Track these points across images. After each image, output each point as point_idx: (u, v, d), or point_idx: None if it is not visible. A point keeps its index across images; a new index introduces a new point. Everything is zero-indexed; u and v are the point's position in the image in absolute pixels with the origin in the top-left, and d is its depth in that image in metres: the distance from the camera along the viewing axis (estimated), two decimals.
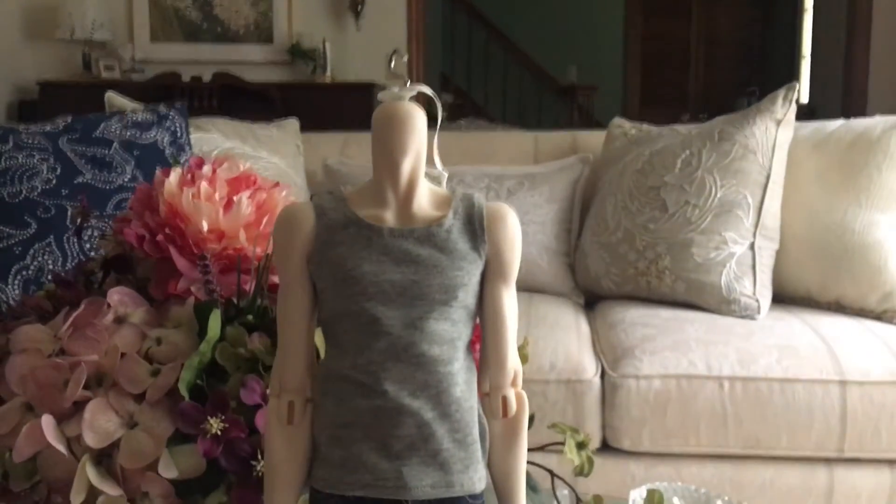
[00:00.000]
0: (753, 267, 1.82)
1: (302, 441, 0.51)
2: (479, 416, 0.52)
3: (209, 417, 0.62)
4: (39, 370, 0.62)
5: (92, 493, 0.63)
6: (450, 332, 0.50)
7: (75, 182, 1.65)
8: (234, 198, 0.73)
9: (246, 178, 0.75)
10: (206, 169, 0.73)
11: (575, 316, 1.87)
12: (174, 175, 0.72)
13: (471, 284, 0.51)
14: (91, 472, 0.61)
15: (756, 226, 1.83)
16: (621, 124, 2.15)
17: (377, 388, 0.48)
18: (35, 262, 1.59)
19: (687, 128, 2.01)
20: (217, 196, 0.72)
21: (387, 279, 0.49)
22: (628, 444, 1.55)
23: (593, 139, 2.24)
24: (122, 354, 0.64)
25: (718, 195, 1.84)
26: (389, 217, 0.51)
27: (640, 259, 1.89)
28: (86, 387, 0.63)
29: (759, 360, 1.54)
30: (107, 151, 1.74)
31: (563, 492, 0.76)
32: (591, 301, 2.02)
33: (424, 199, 0.52)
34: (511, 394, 0.52)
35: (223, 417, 0.62)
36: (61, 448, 0.60)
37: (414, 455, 0.49)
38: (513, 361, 0.53)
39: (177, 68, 3.80)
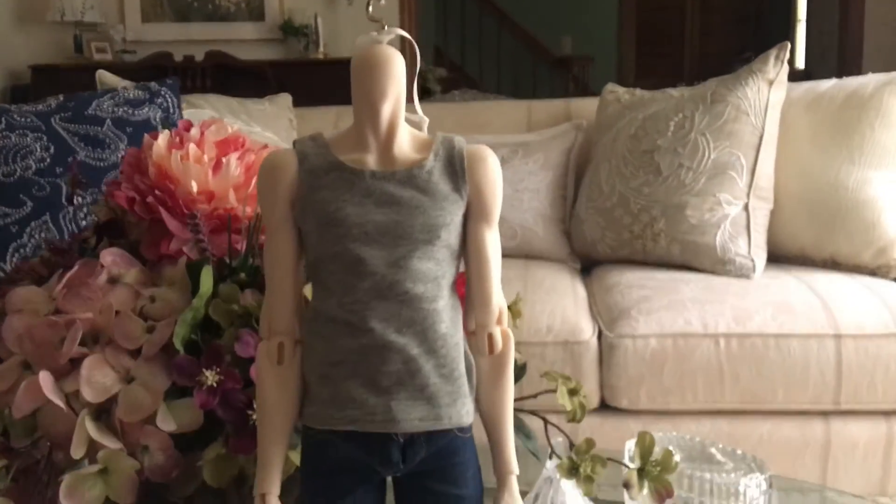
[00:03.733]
0: (748, 227, 1.82)
1: (292, 381, 0.52)
2: (466, 352, 0.53)
3: (204, 370, 0.63)
4: (35, 329, 0.63)
5: (92, 448, 0.64)
6: (433, 270, 0.51)
7: (69, 160, 1.65)
8: (223, 159, 0.73)
9: (234, 140, 0.76)
10: (195, 131, 0.74)
11: (571, 280, 1.89)
12: (163, 138, 0.72)
13: (453, 224, 0.52)
14: (90, 427, 0.62)
15: (750, 186, 1.84)
16: (614, 90, 2.15)
17: (363, 327, 0.49)
18: (32, 241, 1.60)
19: (680, 91, 2.01)
20: (206, 157, 0.73)
21: (370, 220, 0.50)
22: (626, 403, 1.57)
23: (586, 106, 2.23)
24: (117, 312, 0.65)
25: (712, 157, 1.84)
26: (371, 160, 0.52)
27: (635, 223, 1.90)
28: (82, 344, 0.64)
29: (755, 317, 1.56)
30: (99, 129, 1.74)
31: (558, 439, 0.78)
32: (588, 266, 2.03)
33: (405, 142, 0.53)
34: (497, 331, 0.53)
35: (218, 370, 0.63)
36: (60, 403, 0.61)
37: (401, 390, 0.50)
38: (497, 300, 0.54)
39: (169, 48, 3.79)
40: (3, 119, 1.69)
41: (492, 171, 0.54)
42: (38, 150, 1.67)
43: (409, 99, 0.54)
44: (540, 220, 2.04)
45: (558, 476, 0.79)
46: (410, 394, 0.50)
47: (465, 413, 0.52)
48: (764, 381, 1.53)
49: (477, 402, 0.54)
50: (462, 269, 0.54)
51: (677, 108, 1.91)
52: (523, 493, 0.81)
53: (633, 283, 1.76)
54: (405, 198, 0.50)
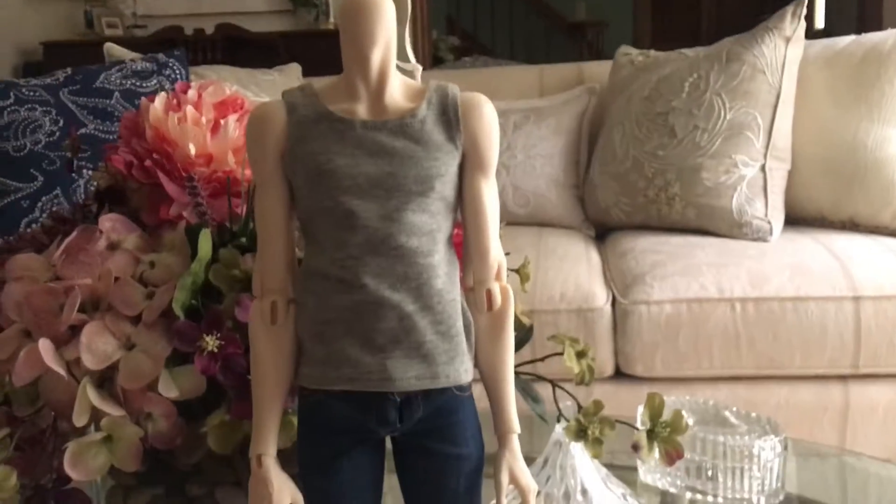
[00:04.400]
0: (765, 189, 1.79)
1: (286, 341, 0.51)
2: (464, 309, 0.51)
3: (205, 335, 0.62)
4: (34, 295, 0.62)
5: (96, 416, 0.64)
6: (428, 223, 0.49)
7: (79, 133, 1.65)
8: (222, 121, 0.72)
9: (233, 102, 0.74)
10: (192, 93, 0.73)
11: (585, 247, 1.87)
12: (159, 100, 0.71)
13: (448, 175, 0.50)
14: (92, 394, 0.61)
15: (767, 147, 1.80)
16: (628, 52, 2.11)
17: (356, 283, 0.48)
18: (43, 215, 1.59)
19: (695, 51, 1.97)
20: (204, 119, 0.71)
21: (361, 172, 0.48)
22: (641, 369, 1.55)
23: (600, 70, 2.20)
24: (116, 278, 0.64)
25: (728, 117, 1.81)
26: (361, 110, 0.50)
27: (649, 187, 1.87)
28: (82, 311, 0.63)
29: (772, 280, 1.53)
30: (108, 102, 1.73)
31: (567, 403, 0.77)
32: (602, 233, 2.01)
33: (397, 91, 0.51)
34: (495, 287, 0.52)
35: (219, 335, 0.62)
36: (60, 370, 0.60)
37: (397, 348, 0.48)
38: (495, 254, 0.52)
39: (179, 22, 3.77)
40: (11, 93, 1.69)
41: (487, 119, 0.52)
42: (48, 123, 1.66)
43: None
44: (553, 187, 2.02)
45: (568, 440, 0.78)
46: (406, 352, 0.49)
47: (463, 371, 0.50)
48: (781, 346, 1.51)
49: (476, 360, 0.52)
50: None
51: (692, 69, 1.87)
52: (532, 459, 0.80)
53: (647, 248, 1.74)
54: (397, 148, 0.49)
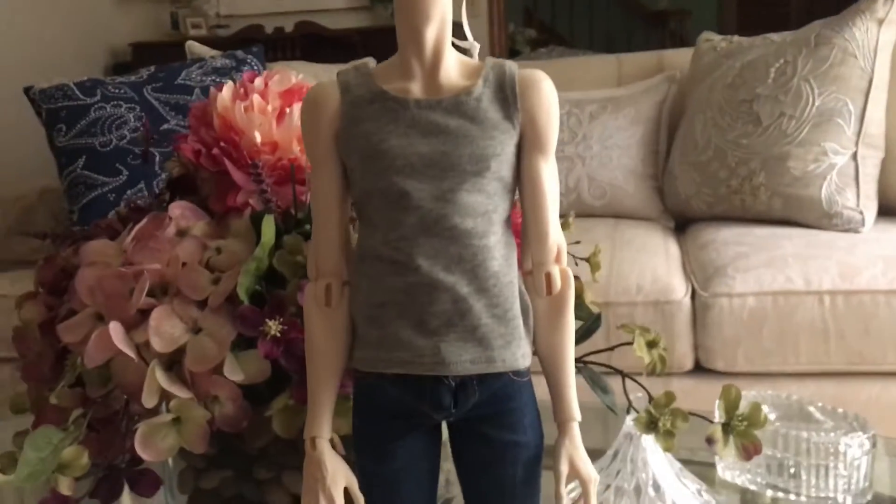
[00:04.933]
0: (856, 178, 1.71)
1: (341, 323, 0.51)
2: (522, 293, 0.50)
3: (267, 320, 0.62)
4: (106, 280, 0.64)
5: (165, 398, 0.65)
6: (484, 204, 0.48)
7: (161, 129, 1.69)
8: (287, 109, 0.72)
9: (299, 90, 0.74)
10: (258, 82, 0.73)
11: (664, 239, 1.82)
12: (227, 89, 0.72)
13: (504, 155, 0.49)
14: (160, 376, 0.62)
15: (858, 134, 1.72)
16: (710, 38, 2.05)
17: (410, 265, 0.47)
18: None
19: (781, 35, 1.90)
20: (270, 108, 0.72)
21: (414, 152, 0.47)
22: (722, 364, 1.50)
23: (680, 57, 2.14)
24: (184, 264, 0.65)
25: (816, 104, 1.74)
26: (416, 89, 0.49)
27: (732, 177, 1.81)
28: (151, 296, 0.65)
29: (863, 273, 1.46)
30: (189, 98, 1.78)
31: (638, 395, 0.74)
32: (682, 224, 1.96)
33: (453, 68, 0.50)
34: (555, 270, 0.50)
35: (282, 320, 0.62)
36: (129, 352, 0.62)
37: (451, 331, 0.47)
38: (555, 236, 0.50)
39: (260, 21, 3.84)
40: (98, 91, 1.75)
41: (546, 97, 0.50)
42: (132, 119, 1.72)
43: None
44: (630, 178, 1.97)
45: (639, 433, 0.76)
46: (461, 335, 0.47)
47: (520, 356, 0.49)
48: (872, 341, 1.44)
49: (535, 345, 0.51)
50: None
51: (778, 54, 1.80)
52: (601, 452, 0.78)
53: (729, 239, 1.69)
54: (452, 127, 0.48)
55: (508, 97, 0.49)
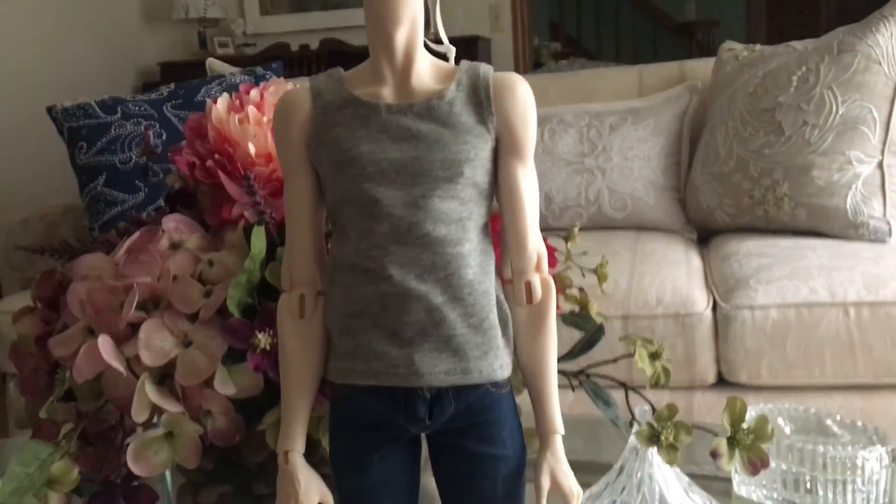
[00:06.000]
0: (883, 187, 1.67)
1: (315, 335, 0.50)
2: (500, 302, 0.48)
3: (257, 332, 0.61)
4: (95, 293, 0.64)
5: (156, 412, 0.64)
6: (457, 210, 0.47)
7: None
8: None
9: None
10: (254, 93, 0.73)
11: (685, 251, 1.79)
12: (222, 101, 0.72)
13: (479, 160, 0.47)
14: (150, 390, 0.62)
15: (884, 143, 1.68)
16: (732, 47, 2.02)
17: (382, 274, 0.46)
18: None
19: (803, 43, 1.87)
20: (265, 119, 0.71)
21: (385, 158, 0.46)
22: (745, 378, 1.47)
23: (702, 67, 2.11)
24: (175, 277, 0.65)
25: (840, 112, 1.70)
26: (387, 93, 0.48)
27: (755, 187, 1.78)
28: (143, 309, 0.64)
29: (890, 284, 1.42)
30: None
31: (645, 407, 0.72)
32: (705, 236, 1.92)
33: (425, 72, 0.49)
34: (535, 278, 0.49)
35: (272, 332, 0.61)
36: (119, 367, 0.61)
37: (425, 341, 0.46)
38: (534, 244, 0.49)
39: (286, 39, 3.88)
40: (118, 109, 1.77)
41: (522, 101, 0.49)
42: (151, 137, 1.73)
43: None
44: (651, 189, 1.94)
45: (645, 448, 0.74)
46: (435, 345, 0.46)
47: (498, 367, 0.47)
48: None
49: (516, 356, 0.49)
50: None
51: (800, 62, 1.77)
52: (607, 467, 0.76)
53: (752, 251, 1.65)
54: (423, 132, 0.46)
55: (482, 101, 0.48)
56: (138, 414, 0.62)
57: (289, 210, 0.51)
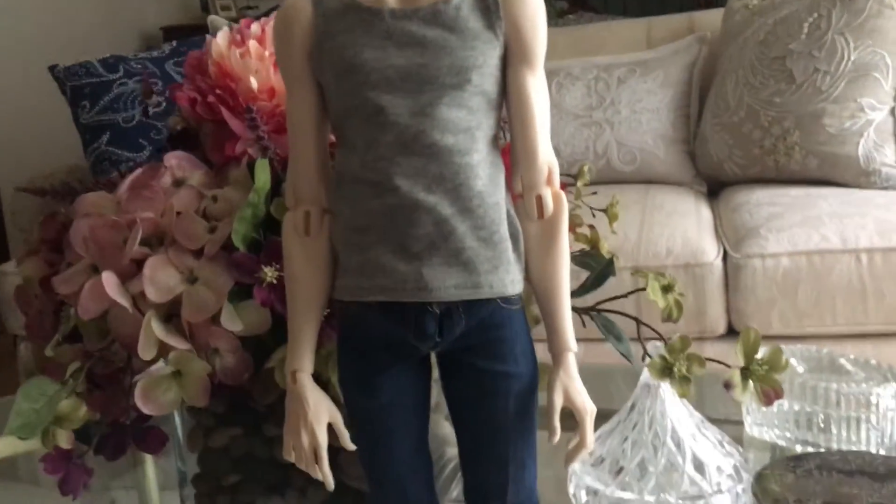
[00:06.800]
0: (895, 133, 1.65)
1: (321, 253, 0.49)
2: (511, 216, 0.47)
3: (264, 266, 0.60)
4: (99, 230, 0.63)
5: (164, 351, 0.64)
6: (465, 120, 0.45)
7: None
8: None
9: None
10: (255, 28, 0.71)
11: (695, 203, 1.77)
12: (222, 36, 0.70)
13: (486, 67, 0.46)
14: (157, 327, 0.61)
15: None
16: None
17: (389, 185, 0.45)
18: None
19: None
20: (267, 53, 0.70)
21: (390, 65, 0.45)
22: (756, 327, 1.45)
23: (711, 18, 2.08)
24: (178, 213, 0.64)
25: (852, 58, 1.67)
26: None
27: (765, 137, 1.75)
28: (147, 246, 0.63)
29: None
30: None
31: (657, 343, 0.71)
32: (715, 188, 1.90)
33: None
34: (546, 192, 0.47)
35: (278, 266, 0.60)
36: (124, 302, 0.60)
37: (434, 255, 0.45)
38: (545, 156, 0.48)
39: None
40: (121, 67, 1.75)
41: (531, 5, 0.47)
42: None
43: None
44: (661, 142, 1.92)
45: (657, 382, 0.73)
46: (444, 259, 0.45)
47: (509, 282, 0.46)
48: None
49: (528, 273, 0.48)
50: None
51: (811, 8, 1.74)
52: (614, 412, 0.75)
53: (763, 201, 1.64)
54: (430, 37, 0.45)
55: (490, 5, 0.46)
56: (145, 351, 0.61)
57: (291, 125, 0.50)
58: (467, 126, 0.45)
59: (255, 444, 0.76)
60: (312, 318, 0.49)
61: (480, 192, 0.45)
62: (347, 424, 0.49)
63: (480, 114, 0.46)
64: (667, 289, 0.68)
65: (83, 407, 0.63)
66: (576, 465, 0.75)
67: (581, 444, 0.47)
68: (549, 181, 0.48)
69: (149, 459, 1.03)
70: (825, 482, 0.55)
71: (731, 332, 1.50)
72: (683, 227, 1.57)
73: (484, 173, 0.46)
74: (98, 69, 1.74)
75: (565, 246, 0.48)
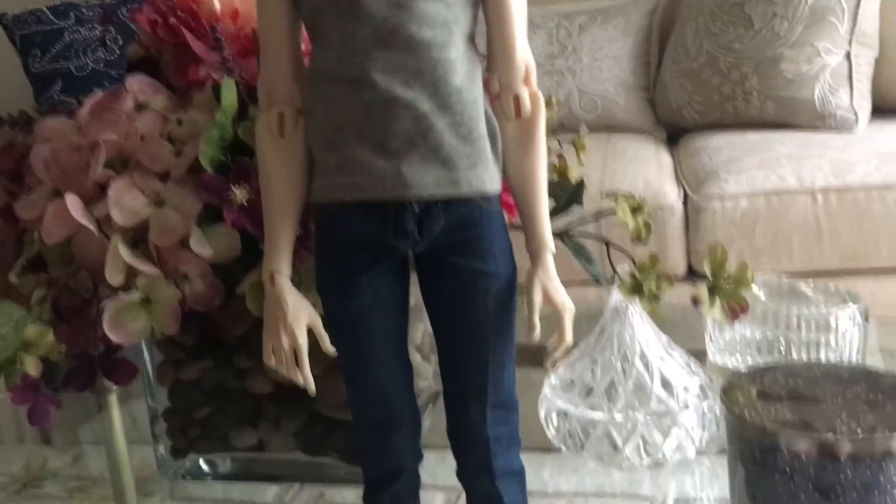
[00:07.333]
0: (850, 77, 1.68)
1: (296, 154, 0.48)
2: (489, 115, 0.47)
3: (233, 187, 0.60)
4: (60, 153, 0.61)
5: (132, 277, 0.63)
6: (443, 13, 0.45)
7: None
8: None
9: None
10: None
11: (655, 149, 1.79)
12: None
13: None
14: (124, 251, 0.60)
15: (851, 33, 1.68)
16: None
17: (366, 81, 0.44)
18: None
19: None
20: None
21: None
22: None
23: None
24: (142, 137, 0.62)
25: (809, 3, 1.69)
26: None
27: (724, 82, 1.77)
28: (111, 170, 0.62)
29: (856, 169, 1.44)
30: None
31: (626, 266, 0.72)
32: (675, 135, 1.92)
33: None
34: (524, 92, 0.47)
35: (248, 186, 0.60)
36: (89, 225, 0.59)
37: (413, 152, 0.44)
38: (522, 54, 0.47)
39: None
40: (72, 14, 1.70)
41: None
42: (108, 42, 1.67)
43: None
44: (622, 90, 1.93)
45: (626, 306, 0.74)
46: (423, 155, 0.44)
47: (487, 179, 0.46)
48: (866, 237, 1.42)
49: (505, 173, 0.48)
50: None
51: None
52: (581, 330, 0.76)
53: (722, 145, 1.66)
54: None
55: None
56: (113, 275, 0.60)
57: (262, 23, 0.49)
58: (444, 20, 0.44)
59: (226, 377, 0.76)
60: (289, 219, 0.49)
61: (458, 89, 0.45)
62: (326, 327, 0.48)
63: (458, 8, 0.45)
64: (636, 210, 0.69)
65: (50, 333, 0.62)
66: (546, 390, 0.76)
67: (560, 342, 0.47)
68: (527, 81, 0.48)
69: (115, 406, 1.02)
70: (790, 386, 0.56)
71: (691, 273, 1.52)
72: (645, 172, 1.59)
73: (462, 70, 0.45)
74: (48, 16, 1.69)
75: (542, 146, 0.48)
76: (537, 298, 0.47)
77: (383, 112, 0.44)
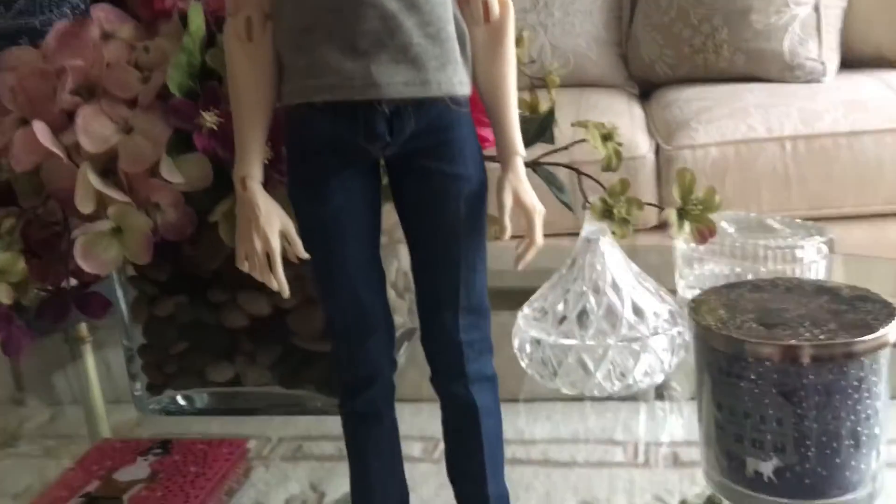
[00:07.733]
0: (818, 28, 1.70)
1: (264, 58, 0.48)
2: (457, 18, 0.47)
3: (202, 112, 0.59)
4: (26, 79, 0.61)
5: (103, 207, 0.63)
6: None
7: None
8: None
9: None
10: None
11: (628, 103, 1.80)
12: None
13: None
14: (93, 178, 0.60)
15: None
16: None
17: None
18: None
19: None
20: None
21: None
22: None
23: None
24: (109, 65, 0.62)
25: None
26: None
27: (695, 35, 1.78)
28: (78, 97, 0.62)
29: (824, 117, 1.46)
30: None
31: (596, 196, 0.73)
32: (647, 90, 1.93)
33: None
34: None
35: (217, 111, 0.60)
36: (58, 151, 0.59)
37: (382, 52, 0.44)
38: None
39: None
40: None
41: None
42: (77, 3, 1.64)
43: None
44: (594, 45, 1.93)
45: (597, 238, 0.75)
46: (392, 55, 0.45)
47: (457, 82, 0.46)
48: (834, 184, 1.44)
49: (475, 79, 0.48)
50: None
51: None
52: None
53: (692, 97, 1.67)
54: None
55: None
56: (83, 203, 0.60)
57: None
58: None
59: (201, 311, 0.76)
60: (259, 123, 0.48)
61: None
62: (299, 233, 0.49)
63: None
64: (607, 137, 0.70)
65: (22, 260, 0.62)
66: (520, 321, 0.77)
67: (531, 243, 0.48)
68: None
69: (89, 354, 1.02)
70: (757, 300, 0.57)
71: (664, 224, 1.54)
72: (618, 124, 1.58)
73: None
74: None
75: (511, 51, 0.48)
76: (508, 200, 0.47)
77: (352, 10, 0.44)
